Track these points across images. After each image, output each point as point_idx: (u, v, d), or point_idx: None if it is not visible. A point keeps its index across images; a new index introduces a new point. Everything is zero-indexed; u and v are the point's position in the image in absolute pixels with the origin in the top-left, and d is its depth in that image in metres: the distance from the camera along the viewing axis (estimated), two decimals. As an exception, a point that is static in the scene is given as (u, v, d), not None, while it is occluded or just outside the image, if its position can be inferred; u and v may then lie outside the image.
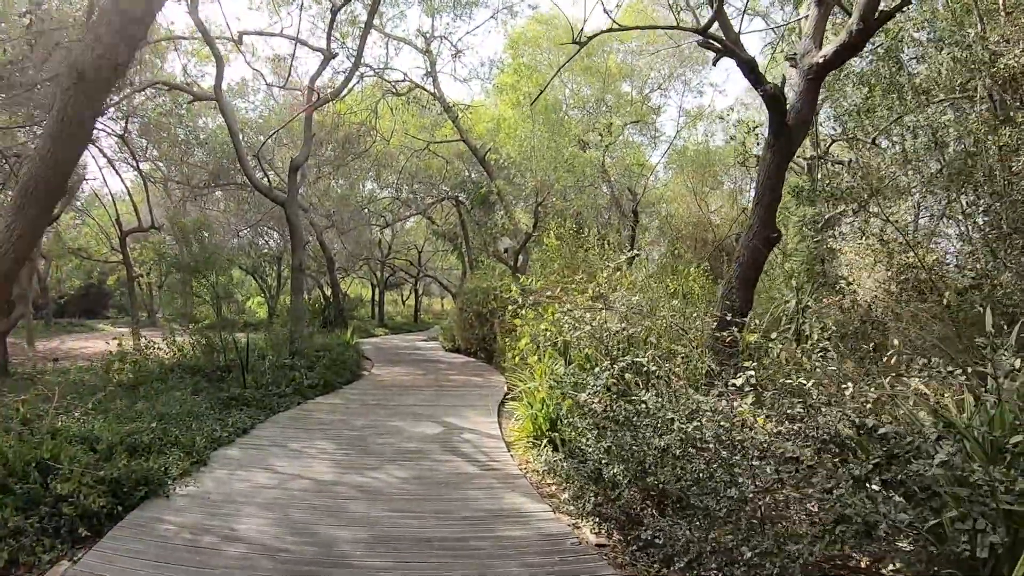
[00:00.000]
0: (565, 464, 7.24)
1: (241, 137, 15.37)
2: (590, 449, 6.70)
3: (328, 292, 29.09)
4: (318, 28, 17.13)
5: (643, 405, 6.15)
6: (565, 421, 8.14)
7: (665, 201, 28.04)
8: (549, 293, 10.43)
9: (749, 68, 8.83)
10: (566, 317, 9.13)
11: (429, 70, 19.31)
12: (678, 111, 27.64)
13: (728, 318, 8.04)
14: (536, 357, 10.47)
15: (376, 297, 40.83)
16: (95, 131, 19.23)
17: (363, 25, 15.40)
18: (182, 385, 11.76)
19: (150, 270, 28.53)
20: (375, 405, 11.91)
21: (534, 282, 11.80)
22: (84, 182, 22.86)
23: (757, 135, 12.66)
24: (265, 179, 15.49)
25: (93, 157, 22.49)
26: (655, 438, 5.71)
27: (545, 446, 8.30)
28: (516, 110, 18.66)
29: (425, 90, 19.28)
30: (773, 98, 8.48)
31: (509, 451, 8.75)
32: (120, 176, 22.14)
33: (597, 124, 21.66)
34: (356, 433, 9.52)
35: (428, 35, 19.51)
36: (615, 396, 6.98)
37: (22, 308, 14.93)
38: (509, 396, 13.02)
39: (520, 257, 18.44)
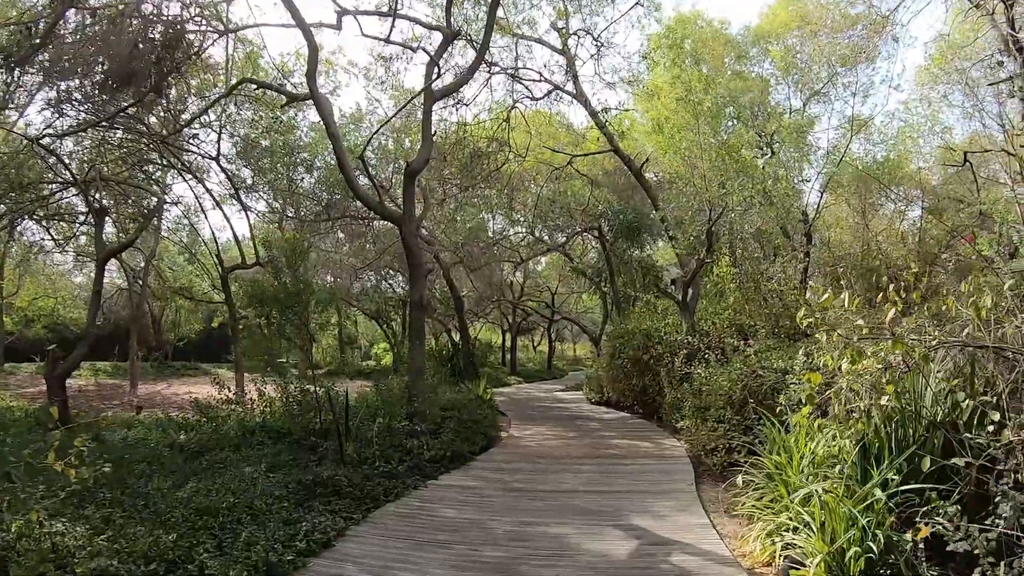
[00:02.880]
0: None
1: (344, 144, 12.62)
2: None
3: (456, 337, 26.15)
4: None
5: None
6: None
7: (825, 226, 23.28)
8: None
9: None
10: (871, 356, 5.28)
11: (569, 68, 16.08)
12: (840, 119, 22.98)
13: None
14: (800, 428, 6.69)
15: (507, 343, 37.72)
16: (184, 154, 17.34)
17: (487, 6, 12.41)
18: (259, 455, 8.79)
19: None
20: (522, 491, 8.36)
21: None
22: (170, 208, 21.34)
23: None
24: (374, 193, 12.70)
25: (190, 186, 20.89)
26: None
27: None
28: (681, 109, 15.04)
29: (566, 92, 16.05)
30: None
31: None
32: (219, 205, 19.99)
33: (760, 131, 17.68)
34: (499, 553, 5.95)
35: (564, 30, 16.38)
36: None
37: (83, 348, 13.20)
38: (704, 471, 9.44)
39: (689, 291, 14.62)
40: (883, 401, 5.10)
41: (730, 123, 16.91)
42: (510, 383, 28.77)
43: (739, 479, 7.11)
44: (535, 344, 50.07)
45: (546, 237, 26.20)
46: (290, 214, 20.98)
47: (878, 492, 4.87)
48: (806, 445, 6.30)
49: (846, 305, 5.44)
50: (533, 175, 20.32)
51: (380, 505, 7.38)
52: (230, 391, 11.14)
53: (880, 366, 5.18)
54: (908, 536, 4.41)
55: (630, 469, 9.72)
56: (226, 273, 19.11)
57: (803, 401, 5.74)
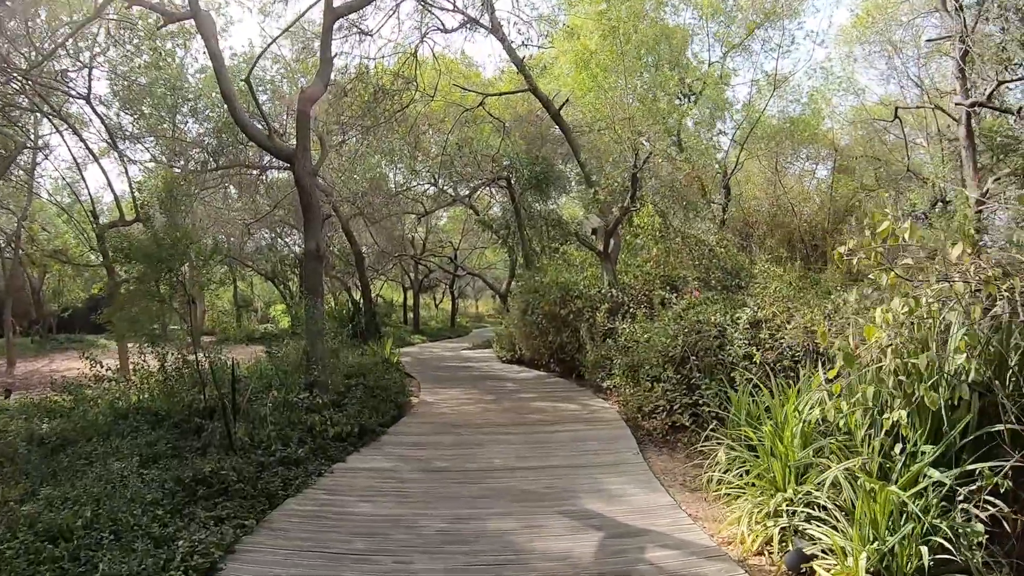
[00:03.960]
0: None
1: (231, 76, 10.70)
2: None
3: (357, 296, 24.38)
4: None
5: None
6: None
7: (736, 182, 23.02)
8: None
9: None
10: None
11: (485, 1, 14.51)
12: (759, 73, 22.55)
13: None
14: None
15: (409, 301, 36.14)
16: (52, 93, 14.91)
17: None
18: (131, 446, 7.22)
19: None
20: (447, 472, 7.16)
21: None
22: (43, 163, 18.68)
23: None
24: (263, 127, 10.85)
25: (63, 138, 18.23)
26: None
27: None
28: (606, 48, 13.82)
29: (481, 26, 14.48)
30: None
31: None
32: (97, 160, 17.48)
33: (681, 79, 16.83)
34: (435, 565, 4.74)
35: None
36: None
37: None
38: (644, 435, 8.68)
39: (611, 242, 13.64)
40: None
41: (646, 74, 15.89)
42: (414, 342, 27.42)
43: (698, 448, 6.20)
44: (437, 302, 48.65)
45: (450, 189, 24.67)
46: (177, 167, 18.58)
47: (933, 472, 3.95)
48: (803, 412, 5.35)
49: (908, 237, 4.39)
50: (441, 118, 18.70)
51: (278, 503, 6.01)
52: (102, 367, 9.24)
53: (925, 316, 4.20)
54: (979, 526, 3.51)
55: (564, 437, 8.69)
56: (102, 231, 16.69)
57: (837, 362, 4.72)
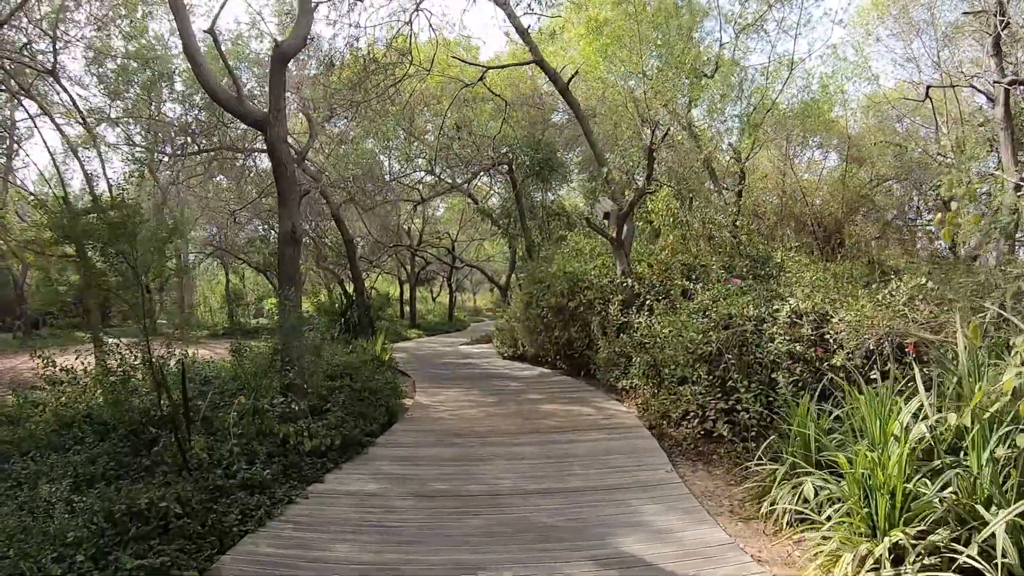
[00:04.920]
0: None
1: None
2: None
3: (351, 288, 23.04)
4: None
5: None
6: None
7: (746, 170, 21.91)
8: None
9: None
10: None
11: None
12: (773, 55, 21.09)
13: None
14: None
15: (405, 295, 34.82)
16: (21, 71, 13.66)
17: None
18: (64, 464, 6.00)
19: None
20: (445, 498, 5.92)
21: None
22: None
23: None
24: (231, 88, 9.53)
25: (36, 125, 16.90)
26: None
27: None
28: (619, 14, 12.53)
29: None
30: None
31: None
32: (75, 153, 16.20)
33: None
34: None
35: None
36: None
37: None
38: (671, 445, 7.50)
39: (624, 227, 12.39)
40: None
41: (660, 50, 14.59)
42: (411, 337, 26.22)
43: (755, 467, 5.02)
44: (434, 295, 47.43)
45: (448, 176, 23.35)
46: (164, 154, 17.29)
47: None
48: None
49: None
50: (438, 97, 17.38)
51: (233, 543, 4.78)
52: (56, 367, 7.96)
53: None
54: None
55: (582, 449, 7.46)
56: (73, 218, 15.34)
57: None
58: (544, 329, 14.29)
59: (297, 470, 6.44)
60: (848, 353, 6.41)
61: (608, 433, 8.24)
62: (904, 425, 4.16)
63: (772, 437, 5.90)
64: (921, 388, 4.36)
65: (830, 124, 19.48)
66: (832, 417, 5.52)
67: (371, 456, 7.35)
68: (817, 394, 5.98)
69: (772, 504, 5.04)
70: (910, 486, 3.93)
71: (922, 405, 4.28)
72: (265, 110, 8.59)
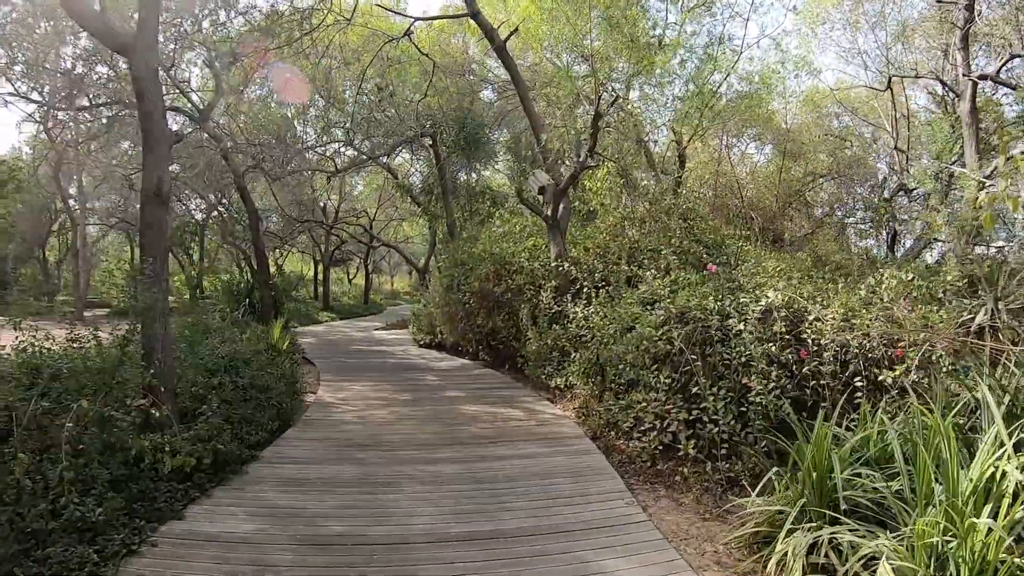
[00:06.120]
0: None
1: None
2: None
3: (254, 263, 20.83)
4: None
5: None
6: None
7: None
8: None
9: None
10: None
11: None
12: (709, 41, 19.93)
13: None
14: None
15: (319, 275, 32.64)
16: None
17: None
18: None
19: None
20: (337, 547, 4.43)
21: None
22: None
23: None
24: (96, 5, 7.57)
25: None
26: None
27: None
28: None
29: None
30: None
31: None
32: None
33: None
34: None
35: None
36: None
37: None
38: (621, 463, 6.35)
39: (560, 206, 11.06)
40: None
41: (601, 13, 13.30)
42: (322, 320, 24.45)
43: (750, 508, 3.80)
44: (350, 277, 45.33)
45: (366, 148, 21.46)
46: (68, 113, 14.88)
47: None
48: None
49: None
50: (359, 52, 15.57)
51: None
52: None
53: None
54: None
55: (516, 468, 6.10)
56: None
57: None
58: (466, 316, 12.94)
59: (149, 502, 4.85)
60: (906, 367, 5.27)
61: (545, 445, 6.91)
62: (1002, 472, 2.95)
63: (773, 471, 4.67)
64: (997, 415, 3.17)
65: (769, 116, 18.79)
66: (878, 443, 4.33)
67: (252, 478, 5.77)
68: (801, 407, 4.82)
69: (782, 559, 3.80)
70: (1019, 560, 2.72)
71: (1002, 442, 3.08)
72: (128, 32, 6.76)
